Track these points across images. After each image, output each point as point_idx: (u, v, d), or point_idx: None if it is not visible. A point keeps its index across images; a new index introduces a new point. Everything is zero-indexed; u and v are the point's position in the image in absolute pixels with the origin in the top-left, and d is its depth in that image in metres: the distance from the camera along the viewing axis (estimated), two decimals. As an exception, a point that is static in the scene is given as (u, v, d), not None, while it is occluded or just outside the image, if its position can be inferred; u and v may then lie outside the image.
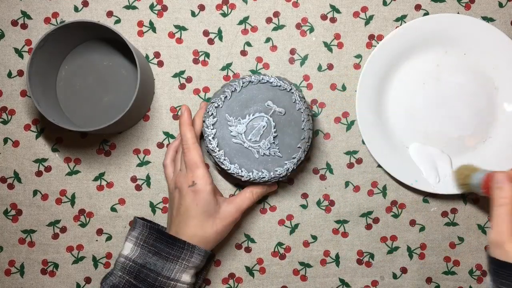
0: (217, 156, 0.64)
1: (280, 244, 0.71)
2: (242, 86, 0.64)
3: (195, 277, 0.64)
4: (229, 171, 0.64)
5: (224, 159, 0.64)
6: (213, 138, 0.64)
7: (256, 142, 0.64)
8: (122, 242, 0.70)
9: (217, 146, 0.64)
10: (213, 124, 0.64)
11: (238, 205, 0.65)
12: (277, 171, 0.63)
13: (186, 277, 0.62)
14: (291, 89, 0.64)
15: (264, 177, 0.64)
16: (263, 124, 0.64)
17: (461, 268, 0.71)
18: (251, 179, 0.64)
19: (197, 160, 0.63)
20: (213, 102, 0.64)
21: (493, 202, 0.57)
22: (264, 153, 0.64)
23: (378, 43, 0.70)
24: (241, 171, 0.64)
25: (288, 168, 0.63)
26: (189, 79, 0.71)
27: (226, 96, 0.64)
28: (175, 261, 0.61)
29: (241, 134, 0.64)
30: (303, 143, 0.63)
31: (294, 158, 0.63)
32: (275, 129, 0.64)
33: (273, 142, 0.64)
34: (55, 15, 0.70)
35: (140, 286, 0.60)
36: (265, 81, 0.64)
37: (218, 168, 0.68)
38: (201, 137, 0.68)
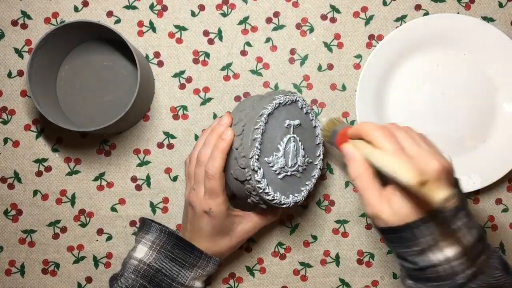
0: (276, 202, 0.60)
1: (280, 244, 0.71)
2: (265, 123, 0.59)
3: (205, 283, 0.65)
4: (290, 206, 0.62)
5: (282, 197, 0.61)
6: (267, 185, 0.60)
7: (295, 164, 0.61)
8: (122, 242, 0.70)
9: (274, 193, 0.60)
10: (263, 177, 0.59)
11: (257, 223, 0.65)
12: (314, 175, 0.63)
13: (198, 284, 0.63)
14: (296, 98, 0.62)
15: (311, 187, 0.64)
16: (293, 145, 0.61)
17: (461, 268, 0.71)
18: (304, 197, 0.63)
19: (219, 190, 0.60)
20: (251, 157, 0.59)
21: (350, 175, 0.53)
22: (303, 169, 0.62)
23: (378, 43, 0.70)
24: (297, 197, 0.62)
25: (320, 167, 0.64)
26: (189, 79, 0.71)
27: (260, 142, 0.59)
28: (191, 268, 0.61)
29: (282, 167, 0.61)
30: (319, 138, 0.64)
31: (318, 155, 0.64)
32: (300, 142, 0.61)
33: (304, 155, 0.62)
34: (55, 15, 0.70)
35: None
36: (277, 104, 0.60)
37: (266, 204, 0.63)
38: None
